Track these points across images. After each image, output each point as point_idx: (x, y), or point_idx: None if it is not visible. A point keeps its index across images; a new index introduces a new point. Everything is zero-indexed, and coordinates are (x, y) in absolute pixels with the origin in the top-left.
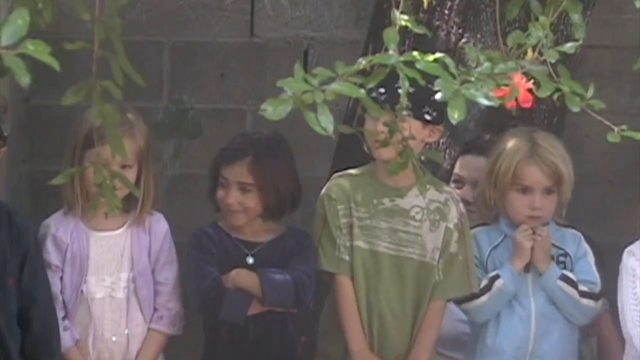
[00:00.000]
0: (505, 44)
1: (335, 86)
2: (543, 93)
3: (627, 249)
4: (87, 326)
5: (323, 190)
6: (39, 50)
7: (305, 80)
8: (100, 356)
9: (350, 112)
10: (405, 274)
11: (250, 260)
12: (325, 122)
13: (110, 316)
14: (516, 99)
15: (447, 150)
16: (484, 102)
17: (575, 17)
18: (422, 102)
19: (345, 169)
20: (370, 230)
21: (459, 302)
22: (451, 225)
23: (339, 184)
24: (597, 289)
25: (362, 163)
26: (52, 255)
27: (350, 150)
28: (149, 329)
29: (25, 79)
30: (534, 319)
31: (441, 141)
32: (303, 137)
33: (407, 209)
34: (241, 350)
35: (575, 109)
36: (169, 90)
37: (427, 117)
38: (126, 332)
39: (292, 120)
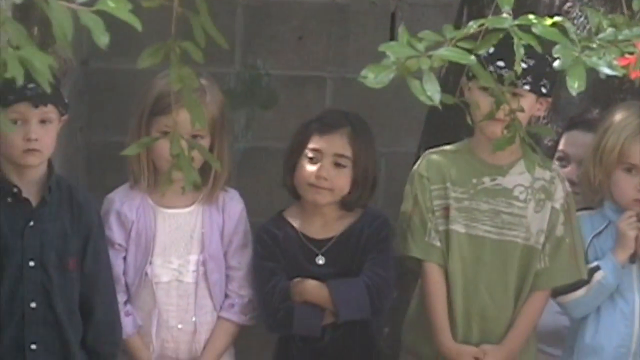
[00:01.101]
0: (629, 8)
1: (443, 52)
2: None
3: None
4: (151, 312)
5: (414, 168)
6: (119, 7)
7: (411, 45)
8: (164, 345)
9: (442, 81)
10: (509, 259)
11: (321, 261)
12: (431, 91)
13: (176, 302)
14: None
15: (549, 125)
16: (607, 71)
17: None
18: (539, 74)
19: (436, 145)
20: (470, 212)
21: (554, 294)
22: (557, 206)
23: (432, 161)
24: None
25: (454, 139)
26: (115, 233)
27: (441, 125)
28: (218, 317)
29: (104, 39)
30: (638, 315)
31: (541, 115)
32: (388, 108)
33: (510, 189)
34: (318, 349)
35: None
36: (242, 54)
37: (544, 90)
38: (194, 319)
39: (376, 90)
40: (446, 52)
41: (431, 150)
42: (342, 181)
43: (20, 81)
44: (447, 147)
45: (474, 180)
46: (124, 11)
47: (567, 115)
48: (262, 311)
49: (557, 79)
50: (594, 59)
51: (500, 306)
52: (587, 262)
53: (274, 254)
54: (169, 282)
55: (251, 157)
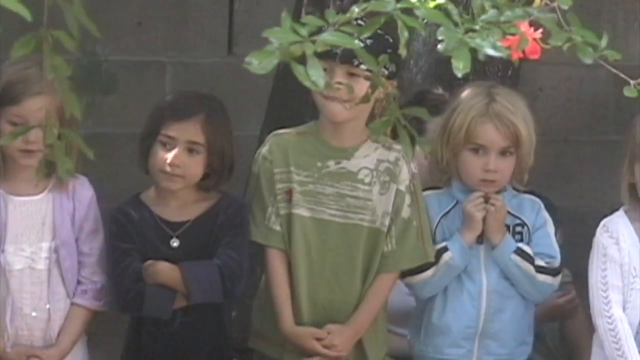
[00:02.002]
0: None
1: (327, 36)
2: (554, 43)
3: (601, 223)
4: (4, 300)
5: (259, 150)
6: None
7: (294, 30)
8: (19, 333)
9: (284, 64)
10: (355, 242)
11: (175, 244)
12: (315, 76)
13: (30, 289)
14: (523, 50)
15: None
16: (491, 52)
17: None
18: (378, 54)
19: (279, 128)
20: (314, 196)
21: (402, 275)
22: (402, 188)
23: (277, 143)
24: (556, 263)
25: (296, 122)
26: None
27: (284, 107)
28: (72, 303)
29: None
30: (485, 295)
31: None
32: (229, 92)
33: (355, 172)
34: (168, 333)
35: (587, 61)
36: (81, 40)
37: (385, 71)
38: (47, 306)
39: (216, 74)
40: (330, 37)
41: (277, 132)
42: (194, 168)
43: None
44: (294, 129)
45: (319, 164)
46: (12, 2)
47: (410, 94)
48: (114, 291)
49: (401, 60)
50: (478, 40)
51: (346, 289)
52: (435, 242)
53: (128, 234)
54: (21, 269)
55: (92, 144)
